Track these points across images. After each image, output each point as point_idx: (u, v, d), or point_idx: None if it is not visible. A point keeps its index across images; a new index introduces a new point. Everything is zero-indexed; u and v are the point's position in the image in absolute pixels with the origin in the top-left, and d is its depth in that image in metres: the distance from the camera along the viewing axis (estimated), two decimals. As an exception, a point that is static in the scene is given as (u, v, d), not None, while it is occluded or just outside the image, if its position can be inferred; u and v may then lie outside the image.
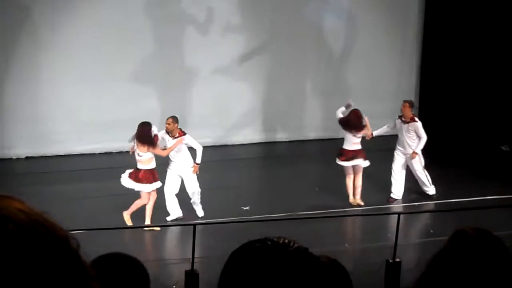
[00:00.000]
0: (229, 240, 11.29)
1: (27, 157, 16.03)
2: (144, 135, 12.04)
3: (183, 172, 12.46)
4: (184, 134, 12.39)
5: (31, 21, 15.49)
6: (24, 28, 15.52)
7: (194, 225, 9.41)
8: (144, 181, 12.05)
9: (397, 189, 13.60)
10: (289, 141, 17.69)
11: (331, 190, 13.83)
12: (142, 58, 16.21)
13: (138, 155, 12.08)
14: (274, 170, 15.59)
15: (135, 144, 12.11)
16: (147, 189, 12.09)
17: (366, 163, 13.28)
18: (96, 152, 16.24)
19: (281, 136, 17.73)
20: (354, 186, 13.37)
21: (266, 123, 17.72)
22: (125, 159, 15.51)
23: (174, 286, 9.43)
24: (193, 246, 8.98)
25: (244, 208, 12.93)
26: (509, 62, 17.08)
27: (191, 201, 12.54)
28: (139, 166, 12.09)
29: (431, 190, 13.71)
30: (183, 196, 12.50)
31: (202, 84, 16.88)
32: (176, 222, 12.32)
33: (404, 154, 13.45)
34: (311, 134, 17.83)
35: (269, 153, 17.04)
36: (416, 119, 13.40)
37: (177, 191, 12.50)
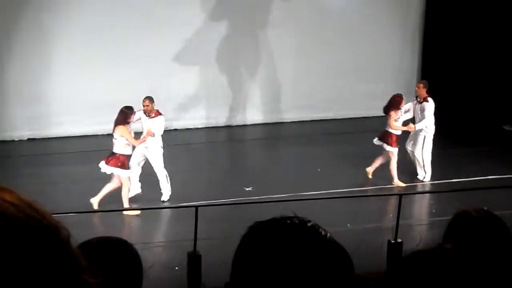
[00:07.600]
0: (232, 221, 11.32)
1: (29, 139, 16.03)
2: (119, 119, 11.99)
3: (148, 152, 12.37)
4: (160, 114, 12.31)
5: (32, 4, 15.44)
6: (25, 11, 15.47)
7: (196, 206, 9.40)
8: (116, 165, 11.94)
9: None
10: (293, 122, 17.61)
11: (333, 171, 13.82)
12: (143, 40, 16.13)
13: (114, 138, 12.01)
14: (276, 151, 15.56)
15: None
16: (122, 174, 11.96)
17: (388, 148, 13.22)
18: (99, 134, 16.22)
19: (285, 116, 17.63)
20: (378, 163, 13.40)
21: (270, 103, 17.63)
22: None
23: (176, 268, 9.45)
24: (195, 227, 8.98)
25: (247, 189, 12.92)
26: (512, 41, 17.02)
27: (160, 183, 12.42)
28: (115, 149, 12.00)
29: (421, 175, 13.68)
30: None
31: (203, 65, 16.82)
32: (178, 204, 12.31)
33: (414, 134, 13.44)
34: (314, 115, 17.75)
35: (272, 134, 16.99)
36: (429, 99, 13.31)
37: (139, 169, 12.43)
